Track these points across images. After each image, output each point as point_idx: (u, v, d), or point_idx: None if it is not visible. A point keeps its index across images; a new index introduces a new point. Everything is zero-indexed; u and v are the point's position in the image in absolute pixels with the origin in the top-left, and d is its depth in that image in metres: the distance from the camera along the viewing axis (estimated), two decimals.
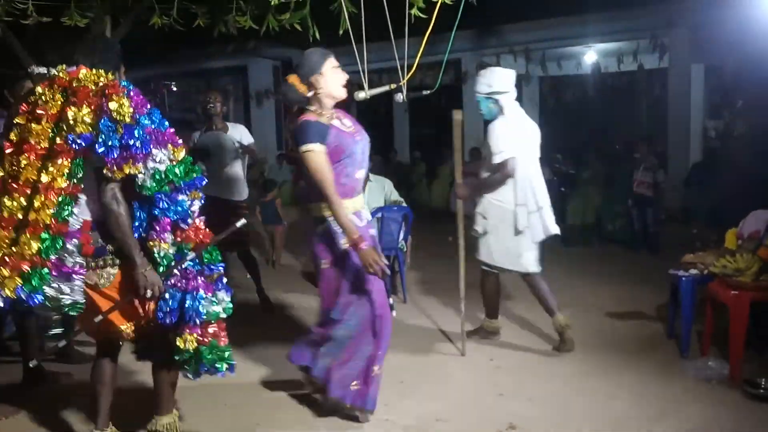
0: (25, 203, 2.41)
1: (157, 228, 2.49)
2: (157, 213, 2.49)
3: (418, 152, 13.00)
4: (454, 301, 5.58)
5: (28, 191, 2.41)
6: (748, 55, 8.09)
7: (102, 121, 2.39)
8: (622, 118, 12.78)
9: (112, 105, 2.39)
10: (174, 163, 2.49)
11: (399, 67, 4.27)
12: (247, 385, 3.68)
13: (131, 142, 2.39)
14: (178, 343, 2.55)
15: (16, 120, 2.51)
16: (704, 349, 3.98)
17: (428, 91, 4.47)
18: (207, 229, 2.59)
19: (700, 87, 10.11)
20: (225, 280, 2.64)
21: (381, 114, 13.57)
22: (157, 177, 2.45)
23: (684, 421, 3.15)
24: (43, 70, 2.59)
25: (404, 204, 5.89)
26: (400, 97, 4.28)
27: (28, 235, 2.39)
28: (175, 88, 12.68)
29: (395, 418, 3.24)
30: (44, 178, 2.41)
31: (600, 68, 11.41)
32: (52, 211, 2.40)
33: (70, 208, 2.45)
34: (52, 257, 2.41)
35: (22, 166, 2.42)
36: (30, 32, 5.41)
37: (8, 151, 2.48)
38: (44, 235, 2.40)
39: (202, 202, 2.68)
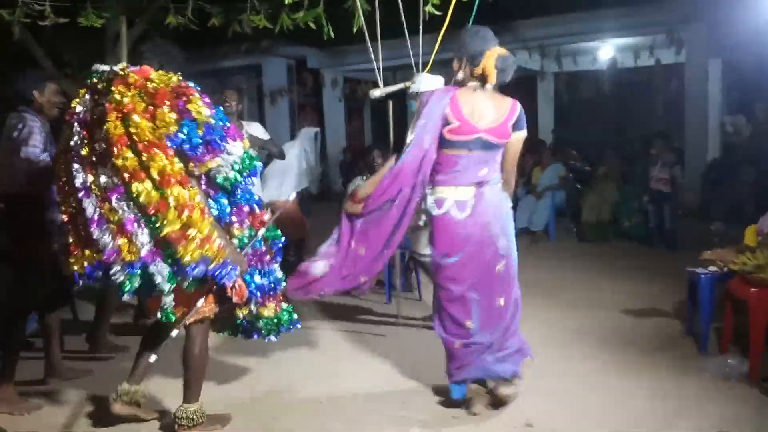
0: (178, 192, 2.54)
1: (240, 215, 2.77)
2: (236, 200, 2.75)
3: None
4: None
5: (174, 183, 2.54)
6: (767, 50, 7.99)
7: (185, 121, 2.55)
8: (639, 114, 12.65)
9: (192, 106, 2.56)
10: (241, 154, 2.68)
11: (413, 65, 4.28)
12: (263, 381, 3.71)
13: (211, 139, 2.59)
14: (264, 312, 2.93)
15: (110, 119, 2.55)
16: (723, 347, 3.94)
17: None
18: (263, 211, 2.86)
19: (718, 82, 9.99)
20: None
21: (395, 111, 13.56)
22: (236, 168, 2.66)
23: (703, 419, 3.12)
24: (105, 67, 2.69)
25: None
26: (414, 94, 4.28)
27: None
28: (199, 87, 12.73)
29: (411, 414, 3.25)
30: (175, 172, 2.55)
31: (616, 64, 11.29)
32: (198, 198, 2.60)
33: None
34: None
35: (153, 160, 2.51)
36: (47, 33, 5.48)
37: (120, 147, 2.54)
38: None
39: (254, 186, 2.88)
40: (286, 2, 4.19)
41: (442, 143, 3.08)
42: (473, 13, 4.01)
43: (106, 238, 2.55)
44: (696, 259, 4.23)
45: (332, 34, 4.71)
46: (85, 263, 2.64)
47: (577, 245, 7.97)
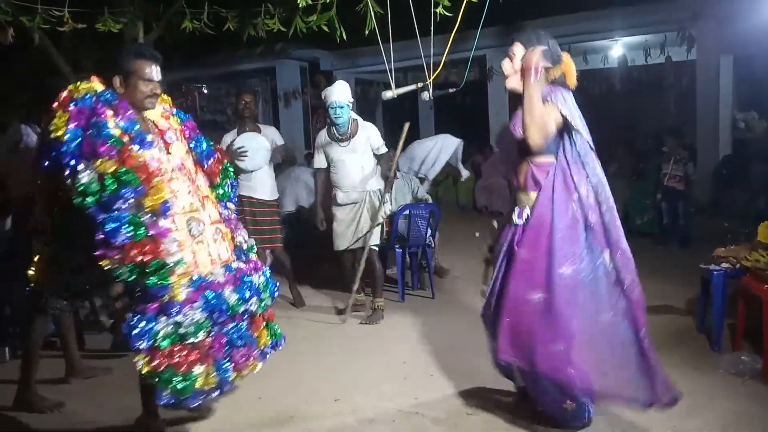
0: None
1: (100, 243, 2.44)
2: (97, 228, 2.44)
3: None
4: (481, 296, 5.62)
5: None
6: None
7: (46, 135, 2.53)
8: (650, 112, 12.59)
9: (52, 121, 2.47)
10: (107, 175, 2.42)
11: (425, 66, 4.32)
12: (278, 379, 3.76)
13: (57, 156, 2.45)
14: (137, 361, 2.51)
15: None
16: (736, 344, 3.95)
17: (454, 89, 4.51)
18: (157, 249, 2.45)
19: (729, 79, 9.93)
20: (188, 301, 2.50)
21: (406, 112, 13.60)
22: (79, 190, 2.41)
23: (716, 416, 3.14)
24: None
25: (431, 201, 5.94)
26: (426, 95, 4.33)
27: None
28: (205, 91, 12.91)
29: (425, 411, 3.28)
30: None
31: (627, 61, 11.27)
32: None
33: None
34: None
35: None
36: (66, 39, 5.56)
37: None
38: None
39: (233, 201, 2.74)
40: (300, 6, 4.25)
41: None
42: (484, 14, 4.04)
43: None
44: (709, 256, 4.24)
45: (345, 37, 4.77)
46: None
47: None
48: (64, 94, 2.53)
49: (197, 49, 9.75)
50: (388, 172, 5.04)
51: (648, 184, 8.15)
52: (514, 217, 2.98)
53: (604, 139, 10.95)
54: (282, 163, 5.53)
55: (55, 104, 2.48)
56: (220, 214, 2.77)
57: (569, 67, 2.98)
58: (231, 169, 2.98)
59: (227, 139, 5.17)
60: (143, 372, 2.47)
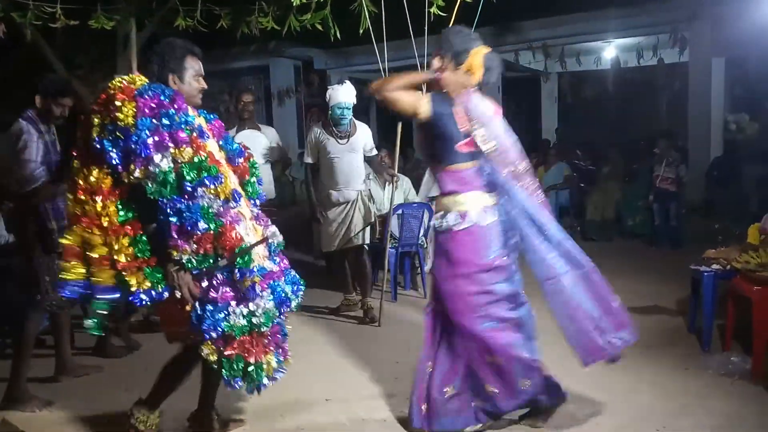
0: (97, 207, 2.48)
1: (171, 234, 2.46)
2: (166, 218, 2.45)
3: None
4: None
5: (85, 192, 2.51)
6: None
7: (108, 126, 2.47)
8: (642, 113, 12.67)
9: (117, 110, 2.45)
10: (183, 164, 2.45)
11: (419, 66, 4.33)
12: None
13: (130, 146, 2.42)
14: (207, 356, 2.54)
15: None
16: (726, 344, 3.98)
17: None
18: (237, 235, 2.51)
19: (721, 81, 9.98)
20: (260, 288, 2.55)
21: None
22: (157, 180, 2.42)
23: (706, 415, 3.16)
24: (119, 77, 2.63)
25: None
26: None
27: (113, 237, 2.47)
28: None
29: None
30: (92, 180, 2.51)
31: (620, 63, 11.31)
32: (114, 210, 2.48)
33: (124, 210, 2.50)
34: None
35: (82, 172, 2.54)
36: (59, 35, 5.54)
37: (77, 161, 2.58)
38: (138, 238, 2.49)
39: (261, 200, 2.75)
40: (294, 4, 4.25)
41: None
42: (477, 14, 4.06)
43: None
44: (699, 257, 4.27)
45: (339, 36, 4.77)
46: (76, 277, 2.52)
47: (581, 244, 7.93)
48: (124, 86, 2.52)
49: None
50: (388, 169, 5.05)
51: (640, 185, 8.19)
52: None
53: (597, 141, 11.06)
54: (274, 163, 5.52)
55: (120, 95, 2.47)
56: (251, 211, 2.79)
57: (473, 61, 2.91)
58: (257, 167, 2.97)
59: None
60: (211, 360, 2.52)
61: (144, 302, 2.48)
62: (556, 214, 6.92)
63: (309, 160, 5.06)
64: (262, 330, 2.57)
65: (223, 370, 2.55)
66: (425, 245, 5.87)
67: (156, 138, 2.42)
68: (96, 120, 2.51)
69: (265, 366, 2.59)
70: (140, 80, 2.58)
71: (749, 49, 8.70)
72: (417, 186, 6.44)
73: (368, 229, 5.00)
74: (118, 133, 2.45)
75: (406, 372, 3.81)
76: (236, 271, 2.50)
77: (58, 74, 4.45)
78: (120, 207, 2.49)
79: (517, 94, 13.11)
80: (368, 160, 5.06)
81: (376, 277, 5.53)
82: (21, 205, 3.50)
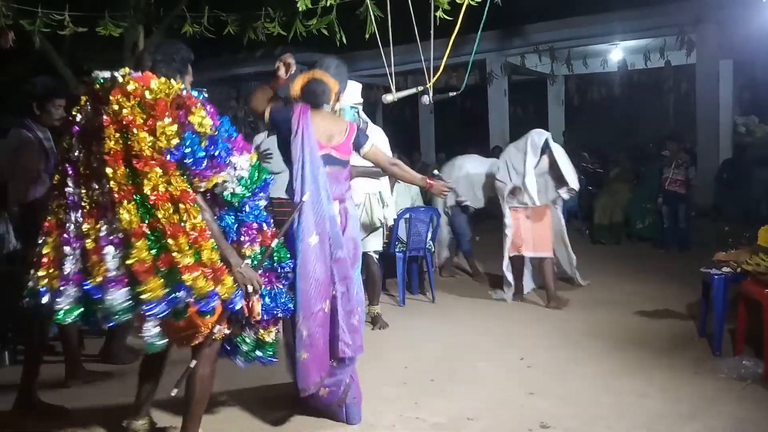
0: (169, 211, 2.35)
1: (250, 232, 2.59)
2: (243, 218, 2.59)
3: (443, 153, 13.02)
4: (482, 300, 5.62)
5: (166, 200, 2.36)
6: None
7: (186, 134, 2.42)
8: (650, 116, 12.63)
9: (194, 118, 2.44)
10: (249, 167, 2.57)
11: (425, 69, 4.32)
12: (277, 381, 3.76)
13: (216, 153, 2.47)
14: (265, 337, 2.75)
15: (108, 132, 2.37)
16: (737, 348, 3.94)
17: (454, 93, 4.51)
18: (273, 229, 2.70)
19: (729, 83, 9.96)
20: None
21: (406, 115, 13.62)
22: (243, 183, 2.55)
23: (717, 420, 3.13)
24: (107, 74, 2.49)
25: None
26: (426, 99, 4.32)
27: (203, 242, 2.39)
28: (206, 95, 12.88)
29: (426, 416, 3.27)
30: (171, 189, 2.37)
31: (626, 66, 11.29)
32: (199, 217, 2.40)
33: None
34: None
35: (147, 176, 2.34)
36: (67, 43, 5.58)
37: (114, 162, 2.37)
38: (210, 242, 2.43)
39: (267, 202, 2.77)
40: (300, 9, 4.26)
41: None
42: (484, 17, 4.05)
43: (72, 258, 2.41)
44: (709, 260, 4.24)
45: (345, 40, 4.77)
46: (55, 283, 2.43)
47: (589, 247, 7.97)
48: (188, 93, 2.50)
49: (197, 53, 9.78)
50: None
51: (648, 188, 8.16)
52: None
53: (604, 143, 11.03)
54: None
55: (190, 102, 2.47)
56: None
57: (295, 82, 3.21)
58: None
59: (257, 139, 5.06)
60: (269, 339, 2.77)
61: (236, 307, 2.51)
62: (564, 217, 6.95)
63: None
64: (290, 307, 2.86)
65: (270, 350, 2.78)
66: (433, 249, 5.87)
67: (231, 144, 2.53)
68: (166, 128, 2.38)
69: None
70: (173, 84, 2.49)
71: (758, 51, 8.67)
72: (423, 190, 6.43)
73: (378, 236, 4.93)
74: (203, 141, 2.45)
75: (414, 376, 3.81)
76: (278, 264, 2.73)
77: (56, 79, 4.37)
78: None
79: (524, 97, 13.11)
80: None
81: (383, 285, 5.53)
82: (27, 212, 3.51)
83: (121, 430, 2.92)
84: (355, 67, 12.55)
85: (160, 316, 2.34)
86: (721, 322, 4.04)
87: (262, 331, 2.74)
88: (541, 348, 4.27)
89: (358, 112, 4.66)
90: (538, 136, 5.30)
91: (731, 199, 8.49)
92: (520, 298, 5.54)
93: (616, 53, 11.42)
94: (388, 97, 4.47)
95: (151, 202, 2.32)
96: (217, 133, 2.48)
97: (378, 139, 4.90)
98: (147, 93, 2.39)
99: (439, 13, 4.36)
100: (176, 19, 5.09)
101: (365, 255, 4.92)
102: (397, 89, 4.41)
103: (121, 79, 2.41)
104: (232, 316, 2.60)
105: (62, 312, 2.41)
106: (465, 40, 4.22)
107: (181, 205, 2.36)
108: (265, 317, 2.69)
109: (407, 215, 5.53)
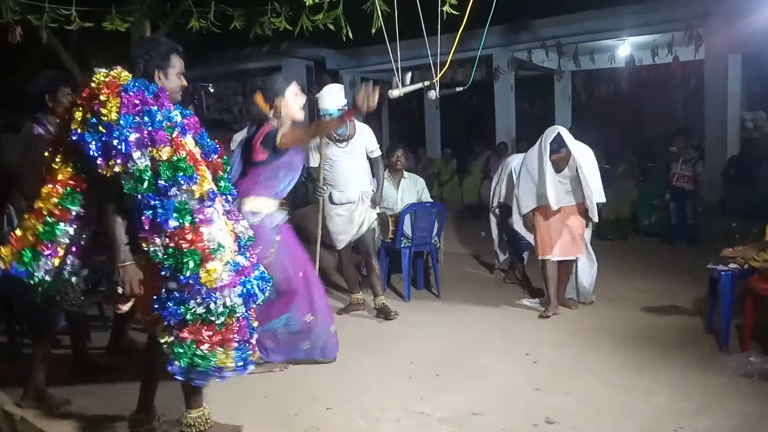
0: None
1: (145, 227, 2.53)
2: (148, 214, 2.51)
3: (449, 149, 13.00)
4: (488, 296, 5.62)
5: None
6: None
7: (90, 119, 2.51)
8: (657, 112, 12.55)
9: (104, 107, 2.49)
10: (162, 162, 2.50)
11: (431, 65, 4.31)
12: (284, 377, 3.77)
13: (112, 142, 2.47)
14: (158, 336, 2.62)
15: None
16: (745, 344, 3.92)
17: (461, 88, 4.49)
18: (196, 235, 2.51)
19: (738, 78, 9.88)
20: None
21: (413, 111, 13.60)
22: (136, 176, 2.49)
23: (724, 416, 3.12)
24: (103, 71, 2.63)
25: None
26: (433, 94, 4.31)
27: (32, 220, 2.68)
28: (212, 90, 12.97)
29: (430, 410, 3.27)
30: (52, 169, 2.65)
31: (634, 61, 11.22)
32: (55, 200, 2.63)
33: (75, 198, 2.66)
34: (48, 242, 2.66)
35: (53, 162, 2.69)
36: (73, 38, 5.59)
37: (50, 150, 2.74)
38: (48, 220, 2.65)
39: (233, 196, 2.79)
40: (307, 4, 4.26)
41: None
42: (491, 12, 4.03)
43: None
44: (716, 256, 4.22)
45: (351, 35, 4.76)
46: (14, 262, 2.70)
47: (596, 243, 7.91)
48: (109, 80, 2.56)
49: (204, 47, 9.79)
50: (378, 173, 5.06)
51: (656, 184, 8.12)
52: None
53: (611, 139, 10.98)
54: None
55: (105, 90, 2.51)
56: (223, 206, 2.80)
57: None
58: (228, 165, 3.04)
59: (237, 137, 5.14)
60: (162, 340, 2.59)
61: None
62: None
63: (312, 163, 4.92)
64: (222, 320, 2.56)
65: (171, 352, 2.57)
66: (438, 245, 5.87)
67: (137, 135, 2.49)
68: (78, 113, 2.58)
69: (219, 357, 2.57)
70: (125, 75, 2.61)
71: (766, 45, 8.60)
72: (429, 185, 6.43)
73: (377, 231, 4.99)
74: (101, 128, 2.50)
75: (420, 371, 3.81)
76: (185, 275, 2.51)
77: (59, 73, 4.40)
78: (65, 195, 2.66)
79: (530, 93, 13.06)
80: (371, 161, 5.00)
81: (387, 277, 5.53)
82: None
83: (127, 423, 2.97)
84: (361, 63, 12.57)
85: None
86: (728, 318, 4.02)
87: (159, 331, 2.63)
88: (547, 344, 4.26)
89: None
90: (550, 130, 4.94)
91: (739, 195, 8.43)
92: (554, 311, 4.91)
93: (624, 49, 11.36)
94: (395, 92, 4.47)
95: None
96: (119, 123, 2.47)
97: (366, 135, 4.94)
98: (92, 84, 2.58)
99: (447, 8, 4.35)
100: (183, 14, 5.10)
101: (368, 253, 4.96)
102: (403, 85, 4.41)
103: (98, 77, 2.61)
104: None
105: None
106: (471, 36, 4.20)
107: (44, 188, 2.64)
108: (172, 321, 2.54)
109: (412, 210, 5.53)
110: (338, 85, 4.79)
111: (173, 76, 2.77)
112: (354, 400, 3.42)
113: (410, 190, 5.85)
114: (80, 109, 2.59)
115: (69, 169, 2.66)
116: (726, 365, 3.71)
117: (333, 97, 4.71)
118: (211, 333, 2.55)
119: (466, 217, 10.19)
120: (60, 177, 2.66)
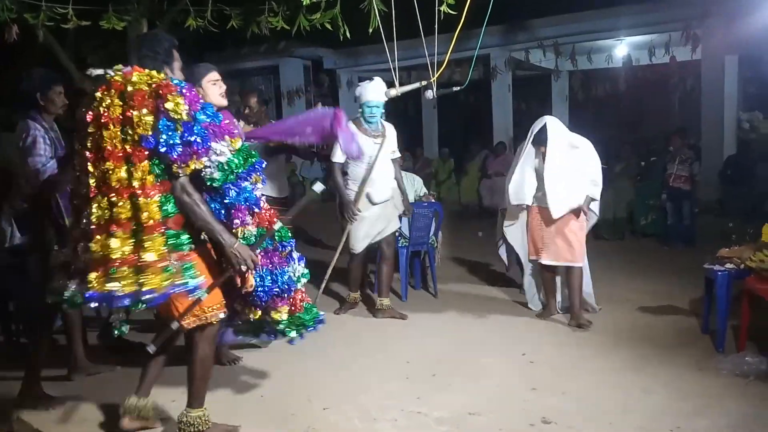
0: (126, 205, 2.53)
1: (239, 215, 2.64)
2: (229, 202, 2.63)
3: (446, 148, 13.01)
4: (485, 295, 5.62)
5: (125, 194, 2.53)
6: None
7: (161, 121, 2.48)
8: (654, 112, 12.60)
9: (168, 105, 2.48)
10: (233, 153, 2.60)
11: (429, 64, 4.31)
12: (281, 376, 3.76)
13: (192, 139, 2.50)
14: (274, 316, 2.82)
15: (90, 129, 2.59)
16: (741, 345, 3.93)
17: (458, 88, 4.50)
18: (273, 210, 2.80)
19: (734, 79, 9.91)
20: (295, 253, 2.89)
21: (410, 111, 13.60)
22: (222, 168, 2.58)
23: (721, 416, 3.12)
24: (100, 71, 2.62)
25: (433, 200, 5.93)
26: (430, 94, 4.32)
27: (145, 236, 2.51)
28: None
29: (427, 410, 3.27)
30: (134, 183, 2.52)
31: (631, 61, 11.26)
32: (156, 208, 2.53)
33: (169, 204, 2.57)
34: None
35: (110, 170, 2.53)
36: (70, 36, 5.58)
37: (92, 160, 2.60)
38: (169, 232, 2.56)
39: (263, 184, 2.81)
40: (304, 3, 4.26)
41: None
42: (488, 12, 4.04)
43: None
44: (713, 257, 4.23)
45: (348, 35, 4.76)
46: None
47: (592, 243, 7.92)
48: (162, 82, 2.55)
49: (201, 47, 9.77)
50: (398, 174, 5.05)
51: (653, 184, 8.13)
52: None
53: (608, 139, 10.99)
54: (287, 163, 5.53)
55: (165, 90, 2.51)
56: None
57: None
58: None
59: None
60: (284, 320, 2.86)
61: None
62: None
63: (340, 159, 4.76)
64: (302, 283, 2.91)
65: (305, 320, 2.91)
66: (436, 245, 5.87)
67: (212, 129, 2.56)
68: (142, 117, 2.50)
69: (312, 311, 2.97)
70: (156, 75, 2.59)
71: (763, 46, 8.63)
72: (427, 185, 6.43)
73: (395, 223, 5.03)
74: (178, 127, 2.49)
75: (416, 371, 3.81)
76: (279, 243, 2.80)
77: (50, 71, 4.37)
78: (162, 202, 2.56)
79: (528, 93, 13.07)
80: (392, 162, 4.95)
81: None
82: (35, 203, 3.52)
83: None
84: (358, 63, 12.57)
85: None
86: (725, 318, 4.03)
87: (271, 311, 2.83)
88: (544, 344, 4.27)
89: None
90: (538, 120, 4.74)
91: (735, 195, 8.46)
92: (547, 316, 4.81)
93: (621, 49, 11.39)
94: (392, 92, 4.48)
95: (112, 198, 2.52)
96: (193, 119, 2.51)
97: (393, 134, 4.90)
98: (128, 86, 2.52)
99: (444, 8, 4.36)
100: (180, 13, 5.09)
101: (394, 250, 5.08)
102: (401, 84, 4.42)
103: (108, 76, 2.58)
104: (231, 297, 2.79)
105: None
106: (469, 35, 4.21)
107: (141, 200, 2.51)
108: (265, 297, 2.77)
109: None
110: (381, 80, 4.74)
111: (177, 71, 2.80)
112: (351, 399, 3.42)
113: (407, 189, 5.84)
114: (140, 112, 2.49)
115: (147, 176, 2.53)
116: (722, 366, 3.71)
117: (377, 90, 4.65)
118: (300, 296, 2.89)
119: (464, 217, 10.21)
120: (147, 185, 2.53)
